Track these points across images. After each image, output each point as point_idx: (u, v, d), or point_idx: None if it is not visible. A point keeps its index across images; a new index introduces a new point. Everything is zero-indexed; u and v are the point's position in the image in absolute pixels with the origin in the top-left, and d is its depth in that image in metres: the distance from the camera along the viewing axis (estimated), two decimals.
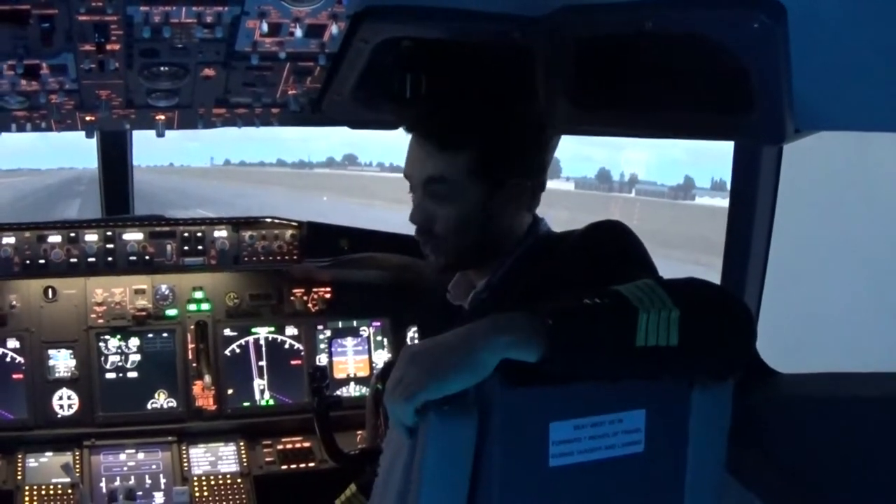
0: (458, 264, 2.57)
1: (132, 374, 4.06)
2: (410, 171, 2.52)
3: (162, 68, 3.05)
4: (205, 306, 4.25)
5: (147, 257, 4.09)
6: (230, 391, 4.16)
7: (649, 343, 1.90)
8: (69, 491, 3.71)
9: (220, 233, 4.20)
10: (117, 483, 3.83)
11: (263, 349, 4.25)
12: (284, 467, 4.07)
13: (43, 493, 3.71)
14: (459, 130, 2.46)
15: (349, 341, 4.37)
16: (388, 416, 1.99)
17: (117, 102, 3.29)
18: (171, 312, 4.19)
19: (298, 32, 2.81)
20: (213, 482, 3.94)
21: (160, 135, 3.56)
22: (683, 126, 2.57)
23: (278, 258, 4.25)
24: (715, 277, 3.00)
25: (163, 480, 3.89)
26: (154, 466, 3.92)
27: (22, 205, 32.82)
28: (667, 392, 2.06)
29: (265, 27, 2.77)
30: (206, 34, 2.80)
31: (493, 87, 2.62)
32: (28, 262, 3.95)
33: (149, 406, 4.05)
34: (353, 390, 4.32)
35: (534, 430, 1.94)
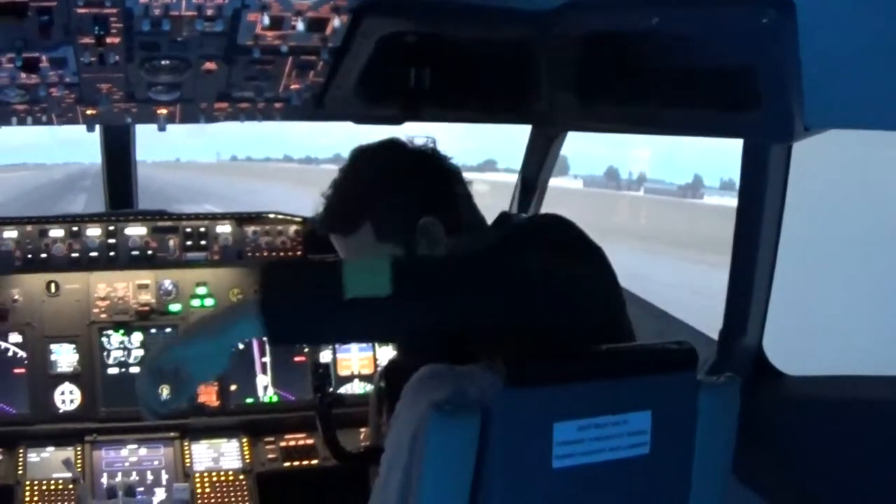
0: None
1: (134, 370, 4.03)
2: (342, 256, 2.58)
3: (163, 62, 3.02)
4: (208, 302, 4.22)
5: (149, 252, 4.07)
6: (233, 387, 4.13)
7: (360, 294, 1.91)
8: (70, 486, 3.69)
9: (224, 228, 4.18)
10: (118, 479, 3.80)
11: (267, 345, 4.22)
12: (287, 464, 4.03)
13: (44, 488, 3.69)
14: (350, 215, 2.52)
15: None
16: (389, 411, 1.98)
17: (118, 96, 3.27)
18: (175, 308, 4.16)
19: (300, 26, 2.79)
20: (214, 479, 3.91)
21: (161, 129, 3.54)
22: (690, 124, 2.54)
23: (282, 253, 4.22)
24: (723, 277, 2.98)
25: (164, 476, 3.86)
26: (156, 462, 3.90)
27: (27, 200, 32.89)
28: (673, 393, 2.04)
29: (266, 20, 2.75)
30: (206, 27, 2.79)
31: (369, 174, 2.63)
32: (30, 256, 3.94)
33: None
34: (357, 388, 4.28)
35: (537, 430, 1.92)
